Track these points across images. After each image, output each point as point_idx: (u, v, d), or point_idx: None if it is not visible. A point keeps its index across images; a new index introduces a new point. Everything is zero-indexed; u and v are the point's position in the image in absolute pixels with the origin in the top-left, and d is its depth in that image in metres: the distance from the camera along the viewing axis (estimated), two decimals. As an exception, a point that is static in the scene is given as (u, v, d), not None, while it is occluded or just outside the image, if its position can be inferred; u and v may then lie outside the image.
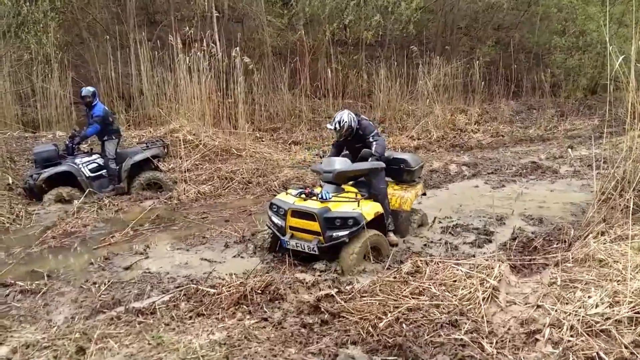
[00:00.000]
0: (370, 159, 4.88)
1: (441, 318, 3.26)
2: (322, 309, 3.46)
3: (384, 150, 5.04)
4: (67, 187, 6.81)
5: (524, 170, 8.26)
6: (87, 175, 7.00)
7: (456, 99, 13.63)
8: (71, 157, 7.09)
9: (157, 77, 10.94)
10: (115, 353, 3.04)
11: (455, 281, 3.67)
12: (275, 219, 4.63)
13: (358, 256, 4.34)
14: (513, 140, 11.43)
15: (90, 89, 7.32)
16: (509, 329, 3.16)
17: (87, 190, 6.80)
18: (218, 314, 3.50)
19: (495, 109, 13.90)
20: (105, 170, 7.22)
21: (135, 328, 3.34)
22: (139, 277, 4.45)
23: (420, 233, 5.45)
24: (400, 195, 5.26)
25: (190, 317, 3.48)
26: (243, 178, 7.98)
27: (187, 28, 10.73)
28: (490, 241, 5.15)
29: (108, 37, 11.87)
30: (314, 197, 4.53)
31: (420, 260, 4.06)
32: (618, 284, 3.35)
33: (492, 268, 3.72)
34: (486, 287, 3.52)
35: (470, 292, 3.51)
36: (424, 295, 3.57)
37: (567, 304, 3.30)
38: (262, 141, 10.89)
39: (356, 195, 4.69)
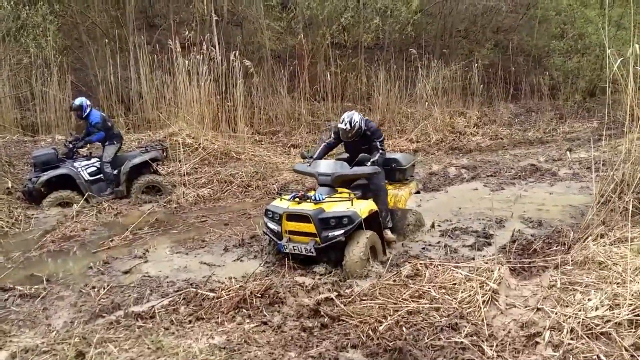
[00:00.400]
0: (367, 163, 4.90)
1: (441, 321, 3.26)
2: (322, 313, 3.46)
3: (382, 162, 5.06)
4: (66, 190, 6.81)
5: (523, 173, 8.26)
6: (86, 179, 7.01)
7: (455, 101, 13.62)
8: (70, 160, 7.10)
9: (157, 80, 10.93)
10: (115, 357, 3.03)
11: (454, 284, 3.67)
12: (271, 225, 4.64)
13: (362, 262, 4.35)
14: (512, 142, 11.41)
15: (77, 101, 7.22)
16: (509, 332, 3.16)
17: (86, 194, 6.80)
18: (218, 317, 3.50)
19: (494, 112, 13.90)
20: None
21: (135, 332, 3.34)
22: (139, 281, 4.45)
23: (418, 236, 5.44)
24: (394, 194, 5.32)
25: (190, 321, 3.48)
26: (242, 181, 7.98)
27: (187, 32, 10.74)
28: (489, 244, 5.14)
29: (107, 40, 11.88)
30: (308, 200, 4.55)
31: (420, 264, 4.06)
32: (618, 287, 3.35)
33: (492, 271, 3.72)
34: (486, 290, 3.52)
35: (470, 295, 3.51)
36: (423, 298, 3.56)
37: (567, 306, 3.30)
38: (262, 144, 10.88)
39: (349, 195, 4.71)
